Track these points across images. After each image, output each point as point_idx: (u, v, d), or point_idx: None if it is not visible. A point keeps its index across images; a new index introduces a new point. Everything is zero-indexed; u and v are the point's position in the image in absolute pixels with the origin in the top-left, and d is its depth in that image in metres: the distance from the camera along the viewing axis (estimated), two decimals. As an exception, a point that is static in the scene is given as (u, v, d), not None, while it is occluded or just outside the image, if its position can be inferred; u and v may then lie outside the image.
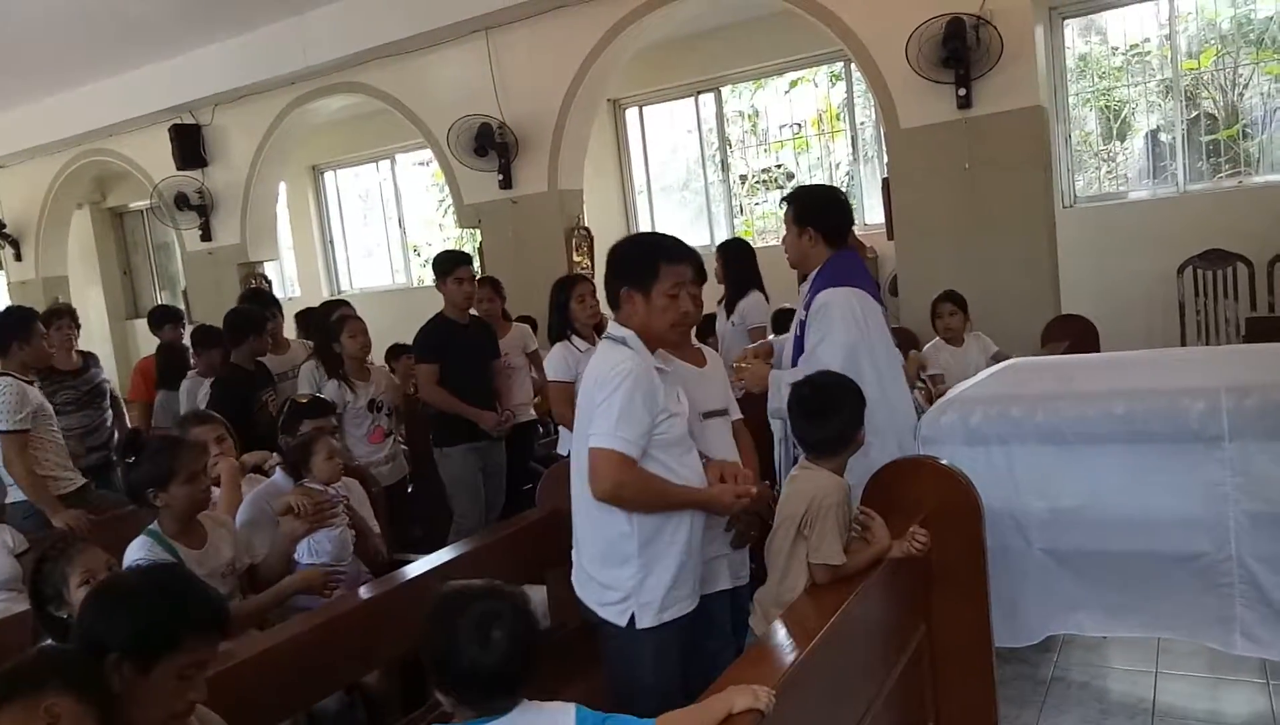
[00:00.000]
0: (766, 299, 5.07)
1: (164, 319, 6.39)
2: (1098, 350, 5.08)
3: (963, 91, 5.51)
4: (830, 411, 2.27)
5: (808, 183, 8.75)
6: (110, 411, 5.23)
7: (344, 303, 4.89)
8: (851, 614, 1.97)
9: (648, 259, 2.23)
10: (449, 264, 4.58)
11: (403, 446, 4.80)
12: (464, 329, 4.56)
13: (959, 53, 5.38)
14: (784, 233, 3.14)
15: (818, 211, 3.06)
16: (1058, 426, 2.75)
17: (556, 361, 3.97)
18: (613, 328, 2.30)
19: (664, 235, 2.38)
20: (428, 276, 10.70)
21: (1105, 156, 7.51)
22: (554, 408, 4.15)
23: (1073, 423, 2.74)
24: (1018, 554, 2.81)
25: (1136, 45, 7.16)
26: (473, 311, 4.76)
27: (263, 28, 7.74)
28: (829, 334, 2.87)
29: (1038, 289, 5.57)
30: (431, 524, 4.64)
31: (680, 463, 2.23)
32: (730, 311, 5.17)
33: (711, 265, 3.77)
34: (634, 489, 2.14)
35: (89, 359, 5.28)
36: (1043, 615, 2.79)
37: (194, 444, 2.73)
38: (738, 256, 5.32)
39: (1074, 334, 5.07)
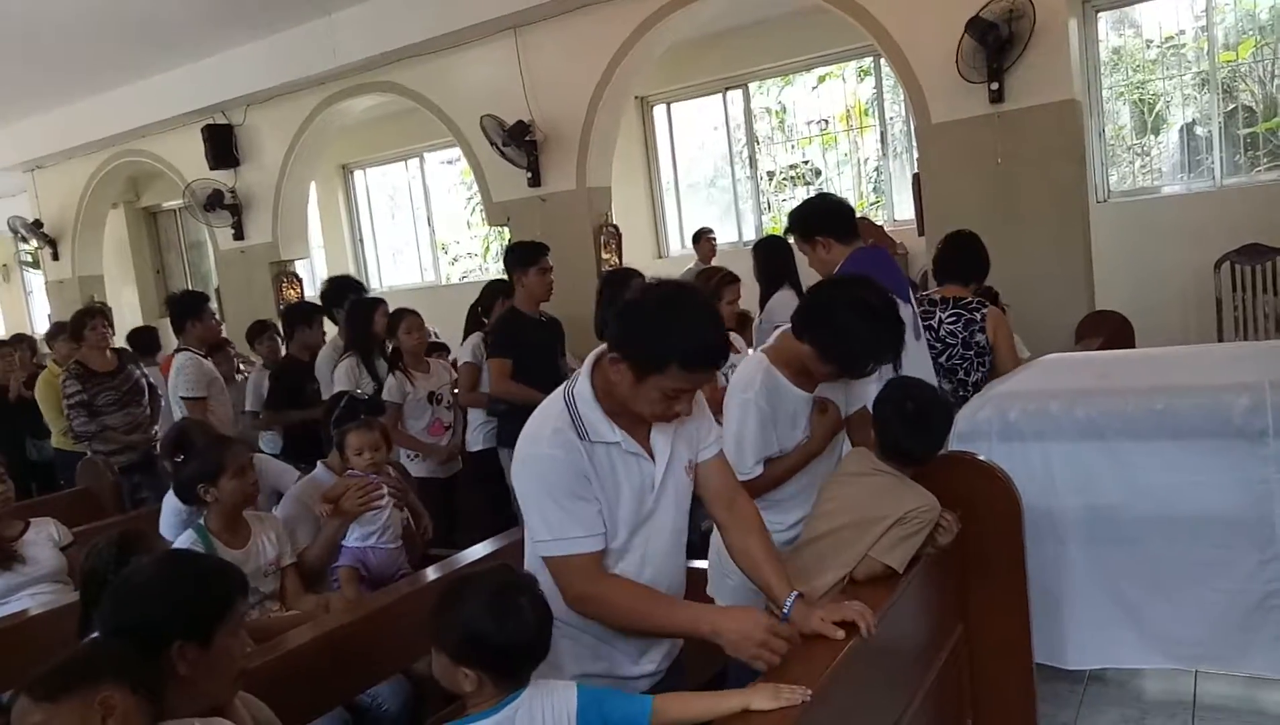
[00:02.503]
0: (799, 294, 5.06)
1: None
2: (1133, 347, 5.03)
3: (995, 86, 5.46)
4: (930, 418, 2.24)
5: (834, 178, 8.76)
6: (149, 407, 5.35)
7: (381, 301, 4.91)
8: (893, 611, 1.96)
9: (661, 350, 1.73)
10: (532, 253, 4.32)
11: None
12: (537, 324, 4.36)
13: (992, 47, 5.34)
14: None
15: (815, 219, 3.12)
16: (1097, 422, 2.73)
17: None
18: (581, 381, 1.85)
19: (696, 311, 1.79)
20: (455, 274, 10.89)
21: (1139, 151, 7.42)
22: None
23: (1112, 418, 2.72)
24: (1054, 554, 2.79)
25: (1171, 37, 7.06)
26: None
27: (293, 28, 7.82)
28: None
29: (1071, 285, 5.51)
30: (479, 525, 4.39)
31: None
32: (762, 308, 5.18)
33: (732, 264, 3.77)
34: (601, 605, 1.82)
35: (124, 357, 5.40)
36: (1084, 635, 2.76)
37: (242, 440, 2.78)
38: (769, 253, 5.31)
39: (1109, 330, 5.01)
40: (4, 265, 14.26)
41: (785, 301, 5.27)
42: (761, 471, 2.25)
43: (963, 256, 3.79)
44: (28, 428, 6.19)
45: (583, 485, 1.79)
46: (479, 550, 2.93)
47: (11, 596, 3.21)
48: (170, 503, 3.25)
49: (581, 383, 1.85)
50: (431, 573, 2.80)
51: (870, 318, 2.15)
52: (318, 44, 7.77)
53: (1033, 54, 5.34)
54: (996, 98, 5.48)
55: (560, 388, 1.90)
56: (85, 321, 5.19)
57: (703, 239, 8.19)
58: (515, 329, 4.27)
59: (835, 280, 2.51)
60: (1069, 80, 5.44)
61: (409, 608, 2.51)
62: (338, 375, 4.57)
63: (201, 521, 2.69)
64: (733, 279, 4.12)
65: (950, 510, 2.23)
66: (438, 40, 7.29)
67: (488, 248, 10.90)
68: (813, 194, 8.28)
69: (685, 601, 1.92)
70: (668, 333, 1.73)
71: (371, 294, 5.45)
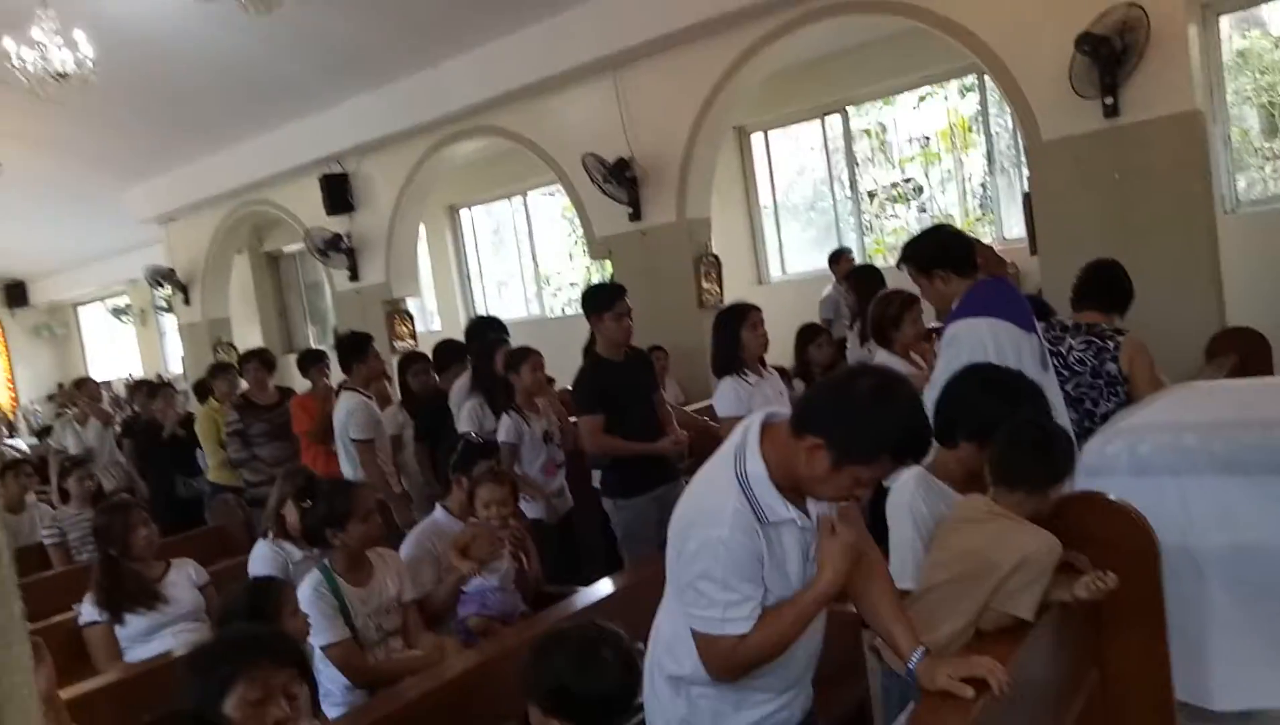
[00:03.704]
0: None
1: (311, 361, 6.81)
2: (1270, 364, 4.74)
3: (1110, 100, 5.26)
4: (1052, 448, 2.14)
5: (936, 196, 8.57)
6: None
7: (501, 341, 4.94)
8: (1024, 662, 1.89)
9: (875, 442, 1.67)
10: (606, 298, 4.13)
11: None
12: (621, 368, 4.15)
13: (1105, 60, 5.15)
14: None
15: (933, 252, 3.04)
16: (1239, 455, 2.57)
17: (728, 396, 3.74)
18: (751, 459, 1.78)
19: (909, 402, 1.73)
20: (556, 306, 11.08)
21: (1268, 155, 7.01)
22: None
23: (1256, 452, 2.56)
24: (1194, 593, 2.64)
25: (1303, 35, 6.68)
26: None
27: (402, 80, 8.16)
28: (952, 365, 2.78)
29: (1200, 302, 5.23)
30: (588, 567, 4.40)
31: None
32: (865, 338, 5.09)
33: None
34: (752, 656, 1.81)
35: (286, 395, 5.81)
36: (1230, 674, 2.59)
37: (368, 484, 2.89)
38: (871, 283, 5.25)
39: (1243, 347, 4.73)
40: (142, 310, 15.22)
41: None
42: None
43: (1106, 285, 3.62)
44: (178, 466, 6.65)
45: (755, 569, 1.77)
46: (598, 591, 2.96)
47: (154, 635, 3.40)
48: (260, 551, 3.42)
49: (754, 463, 1.78)
50: (538, 621, 2.81)
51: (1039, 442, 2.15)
52: (426, 93, 8.08)
53: (1150, 65, 5.13)
54: (1111, 112, 5.28)
55: (724, 461, 1.83)
56: (245, 363, 5.99)
57: (841, 258, 7.83)
58: (599, 380, 4.10)
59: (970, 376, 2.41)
60: (1189, 90, 5.20)
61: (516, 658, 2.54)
62: (462, 416, 4.63)
63: (327, 562, 2.80)
64: (914, 300, 3.91)
65: (1110, 574, 2.09)
66: (539, 84, 7.49)
67: (589, 279, 11.06)
68: (928, 224, 8.15)
69: (797, 594, 1.86)
70: (882, 424, 1.68)
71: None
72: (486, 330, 5.15)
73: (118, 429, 7.81)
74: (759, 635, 1.78)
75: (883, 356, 3.92)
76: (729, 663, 1.80)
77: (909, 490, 2.22)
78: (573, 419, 4.48)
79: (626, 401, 4.08)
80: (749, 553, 1.75)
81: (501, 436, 4.29)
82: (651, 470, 4.07)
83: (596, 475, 4.50)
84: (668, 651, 1.94)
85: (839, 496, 1.77)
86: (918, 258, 3.04)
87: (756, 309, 3.95)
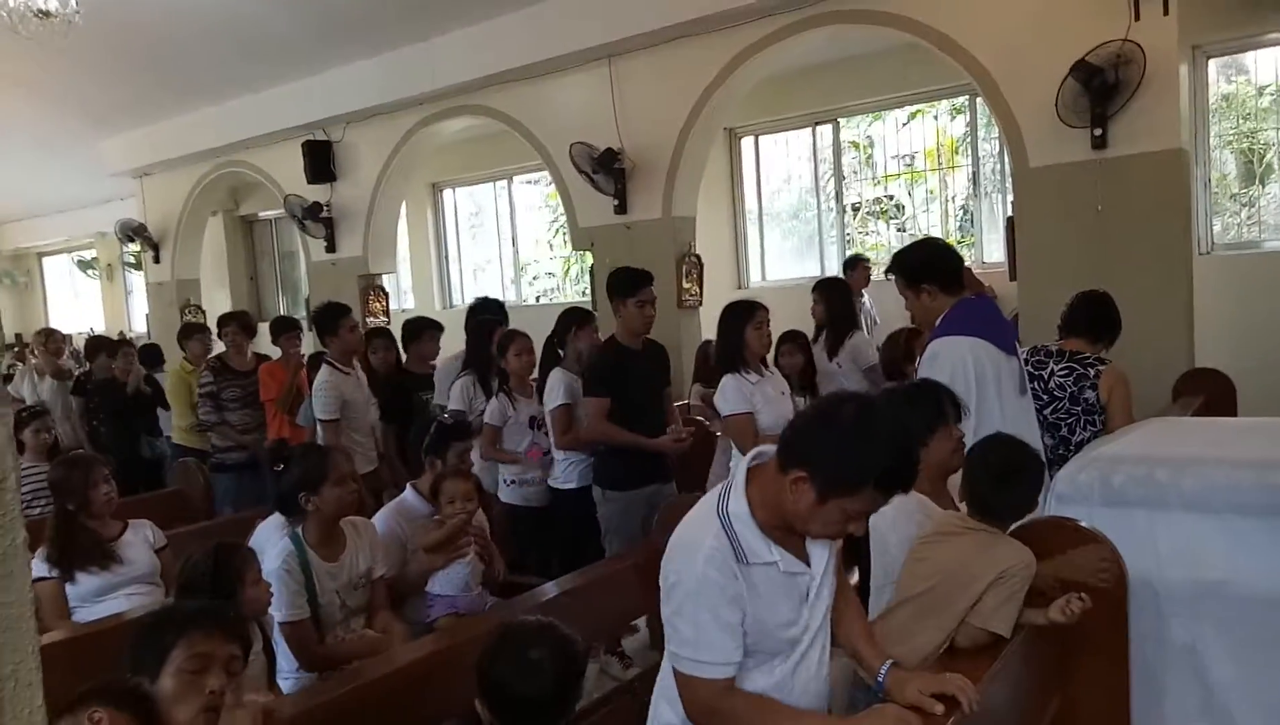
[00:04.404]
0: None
1: (282, 330, 6.70)
2: (1235, 408, 4.82)
3: (1098, 131, 5.32)
4: (1018, 475, 2.18)
5: (918, 215, 8.64)
6: None
7: (500, 324, 4.97)
8: (994, 681, 1.90)
9: (858, 473, 1.64)
10: (631, 284, 4.07)
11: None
12: (637, 357, 4.10)
13: (1096, 92, 5.21)
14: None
15: (922, 267, 3.04)
16: (1207, 494, 2.61)
17: (731, 394, 3.69)
18: (735, 497, 1.75)
19: (892, 430, 1.69)
20: (531, 295, 11.01)
21: (1243, 201, 7.14)
22: (736, 442, 3.74)
23: (1224, 491, 2.59)
24: (1154, 627, 2.67)
25: (1287, 85, 6.80)
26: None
27: (395, 50, 8.05)
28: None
29: (1171, 341, 5.31)
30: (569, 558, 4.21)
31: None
32: (833, 351, 5.11)
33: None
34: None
35: (262, 362, 5.75)
36: (1178, 718, 2.62)
37: (342, 449, 2.85)
38: (842, 295, 5.28)
39: (1210, 390, 4.81)
40: (109, 265, 14.92)
41: (865, 342, 5.25)
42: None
43: (1095, 314, 3.66)
44: (143, 427, 6.53)
45: (731, 611, 1.71)
46: (554, 588, 2.94)
47: (107, 596, 3.33)
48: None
49: (735, 501, 1.75)
50: (497, 613, 2.79)
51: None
52: (418, 66, 7.98)
53: (1141, 100, 5.19)
54: (1100, 144, 5.34)
55: (711, 498, 1.81)
56: (222, 326, 5.87)
57: (859, 266, 7.29)
58: (613, 363, 4.02)
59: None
60: (1176, 128, 5.27)
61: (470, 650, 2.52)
62: (453, 393, 4.62)
63: (299, 532, 2.75)
64: (916, 333, 3.96)
65: (1083, 595, 2.13)
66: (533, 66, 7.42)
67: (567, 270, 11.01)
68: (906, 242, 8.18)
69: (811, 713, 1.82)
70: (865, 454, 1.63)
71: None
72: (486, 311, 5.14)
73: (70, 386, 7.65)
74: (751, 712, 1.74)
75: None
76: (706, 708, 1.75)
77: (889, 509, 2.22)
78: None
79: (636, 392, 4.02)
80: (724, 594, 1.70)
81: (486, 418, 4.28)
82: (646, 466, 4.01)
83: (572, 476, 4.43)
84: (664, 694, 1.88)
85: (831, 533, 1.72)
86: (906, 270, 3.04)
87: (763, 308, 3.89)
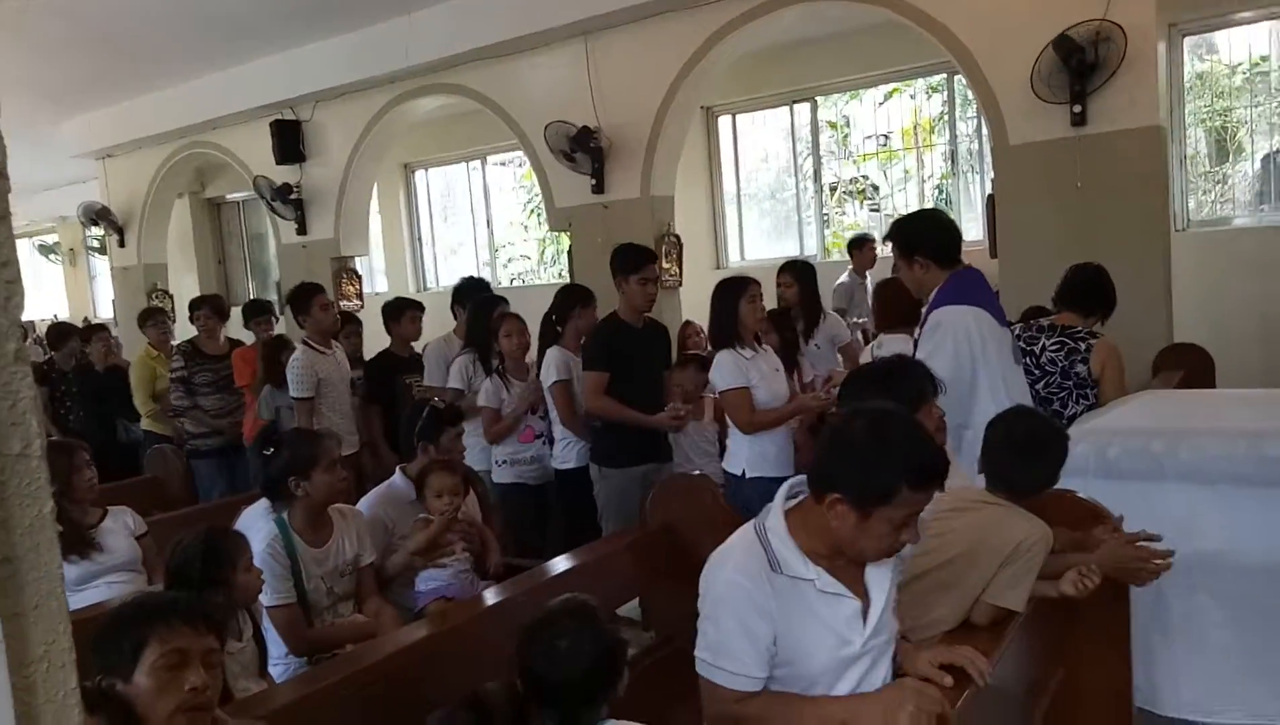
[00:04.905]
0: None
1: (254, 313, 6.58)
2: (1213, 383, 4.87)
3: (1078, 108, 5.33)
4: (1045, 448, 2.17)
5: (894, 195, 8.65)
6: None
7: (503, 299, 4.91)
8: (1004, 655, 1.89)
9: (886, 478, 1.64)
10: (634, 261, 4.05)
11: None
12: (637, 335, 4.10)
13: (1075, 69, 5.22)
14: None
15: (920, 237, 3.02)
16: (1202, 465, 2.63)
17: (727, 369, 3.67)
18: (772, 515, 1.79)
19: (907, 428, 1.71)
20: (506, 277, 10.91)
21: (1216, 178, 7.22)
22: (733, 416, 3.75)
23: (1219, 462, 2.62)
24: (1152, 597, 2.69)
25: (1257, 63, 6.88)
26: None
27: (366, 27, 7.88)
28: (937, 350, 2.79)
29: (1150, 317, 5.35)
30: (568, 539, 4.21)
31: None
32: (808, 334, 5.12)
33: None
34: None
35: (236, 347, 5.63)
36: (1176, 685, 2.66)
37: (332, 434, 2.80)
38: (813, 277, 5.28)
39: (1188, 365, 4.86)
40: (71, 250, 14.59)
41: (840, 321, 5.30)
42: None
43: (1089, 288, 3.67)
44: (119, 410, 6.38)
45: (756, 621, 1.71)
46: (547, 569, 2.90)
47: (88, 584, 3.24)
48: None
49: (773, 517, 1.78)
50: (492, 596, 2.74)
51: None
52: (390, 44, 7.83)
53: (1120, 78, 5.20)
54: (1079, 121, 5.35)
55: (747, 524, 1.84)
56: (193, 310, 5.75)
57: (866, 246, 7.21)
58: (613, 339, 4.01)
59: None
60: (1155, 106, 5.30)
61: (477, 628, 2.48)
62: (452, 371, 4.59)
63: (285, 516, 2.69)
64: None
65: (1095, 569, 2.12)
66: (508, 44, 7.31)
67: (543, 251, 10.92)
68: (880, 224, 8.18)
69: (829, 697, 1.77)
70: (886, 459, 1.64)
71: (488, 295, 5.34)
72: (476, 290, 5.08)
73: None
74: (766, 709, 1.73)
75: (888, 341, 3.92)
76: (722, 714, 1.75)
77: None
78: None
79: (635, 370, 4.01)
80: (751, 600, 1.71)
81: (481, 400, 4.24)
82: (643, 444, 4.00)
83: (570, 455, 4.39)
84: None
85: (885, 549, 1.71)
86: (904, 240, 3.03)
87: (755, 282, 3.86)
